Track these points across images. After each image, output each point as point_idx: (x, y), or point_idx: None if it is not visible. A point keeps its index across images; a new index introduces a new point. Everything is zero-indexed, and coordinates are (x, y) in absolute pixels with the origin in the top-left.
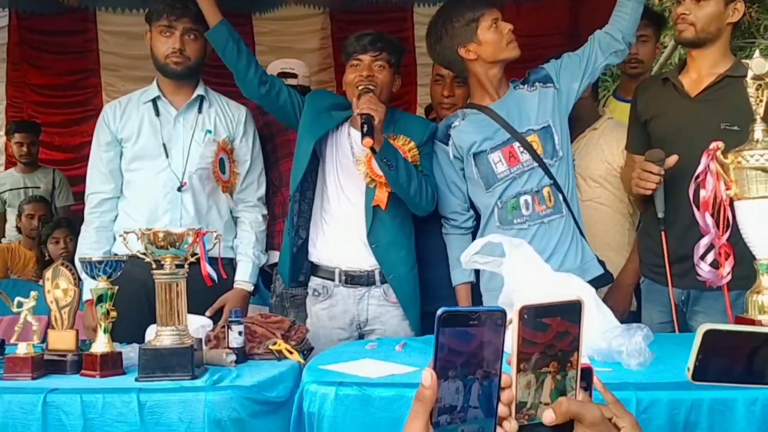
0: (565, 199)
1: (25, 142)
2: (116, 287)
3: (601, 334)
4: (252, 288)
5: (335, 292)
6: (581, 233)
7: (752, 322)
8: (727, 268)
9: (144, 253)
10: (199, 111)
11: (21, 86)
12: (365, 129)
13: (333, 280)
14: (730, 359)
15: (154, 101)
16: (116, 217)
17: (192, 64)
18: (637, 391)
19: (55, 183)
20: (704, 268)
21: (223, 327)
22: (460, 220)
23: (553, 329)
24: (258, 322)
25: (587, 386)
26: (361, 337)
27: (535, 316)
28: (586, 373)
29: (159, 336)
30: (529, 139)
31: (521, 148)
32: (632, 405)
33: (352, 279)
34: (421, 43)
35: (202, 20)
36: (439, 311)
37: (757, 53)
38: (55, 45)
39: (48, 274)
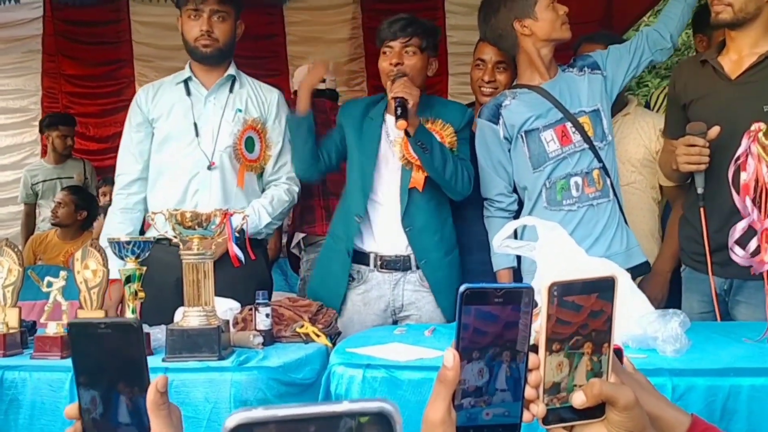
0: (612, 184)
1: (69, 135)
2: (144, 268)
3: (636, 320)
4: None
5: (370, 278)
6: (624, 219)
7: None
8: None
9: (174, 235)
10: (230, 91)
11: (56, 77)
12: (399, 112)
13: (368, 264)
14: None
15: (185, 82)
16: (143, 198)
17: (221, 46)
18: (673, 377)
19: (86, 173)
20: (738, 253)
21: (251, 309)
22: (505, 202)
23: (586, 308)
24: (286, 305)
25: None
26: (395, 323)
27: (565, 293)
28: (616, 355)
29: (186, 317)
30: (580, 120)
31: (573, 129)
32: (668, 391)
33: (388, 264)
34: (453, 32)
35: (228, 1)
36: (462, 288)
37: None
38: (89, 35)
39: (78, 254)
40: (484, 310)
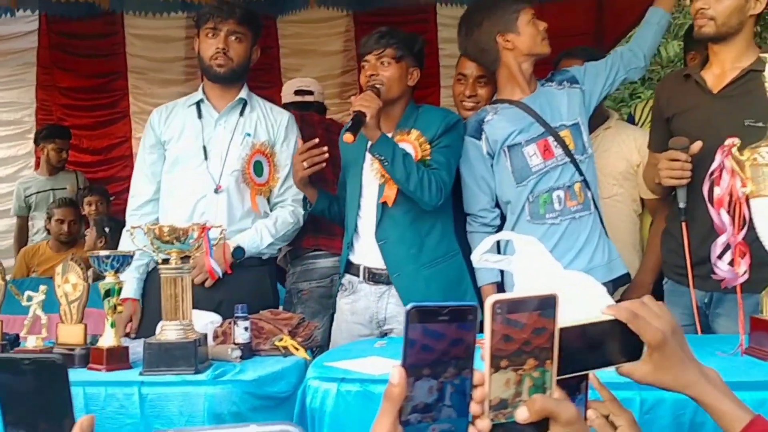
0: (593, 197)
1: (64, 148)
2: (123, 282)
3: None
4: (230, 248)
5: (359, 288)
6: (605, 232)
7: (766, 324)
8: (743, 266)
9: (153, 250)
10: (241, 114)
11: (50, 89)
12: (349, 124)
13: (358, 276)
14: (579, 349)
15: (197, 104)
16: (156, 219)
17: (235, 66)
18: (641, 390)
19: (79, 185)
20: (722, 267)
21: (231, 323)
22: (488, 217)
23: (529, 325)
24: (266, 318)
25: (582, 383)
26: (383, 335)
27: (509, 311)
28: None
29: (164, 331)
30: (561, 134)
31: (555, 143)
32: (636, 405)
33: (374, 276)
34: (445, 45)
35: (248, 23)
36: (408, 306)
37: None
38: (84, 48)
39: (58, 269)
40: (431, 328)
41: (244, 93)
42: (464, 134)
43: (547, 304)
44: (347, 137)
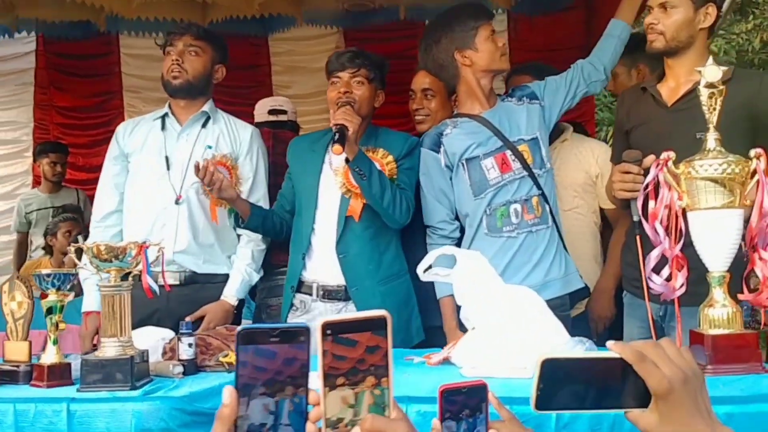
0: (551, 211)
1: (59, 162)
2: (66, 300)
3: (546, 347)
4: (236, 302)
5: (313, 308)
6: (564, 245)
7: (702, 338)
8: (680, 279)
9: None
10: (204, 126)
11: (47, 109)
12: (336, 137)
13: (311, 294)
14: (580, 385)
15: (162, 118)
16: (120, 231)
17: (190, 78)
18: None
19: (79, 202)
20: (656, 281)
21: (179, 338)
22: (447, 230)
23: (362, 344)
24: (216, 334)
25: (482, 402)
26: None
27: (340, 331)
28: (481, 390)
29: (102, 347)
30: (519, 148)
31: (513, 157)
32: (551, 420)
33: (329, 293)
34: None
35: (205, 39)
36: (239, 329)
37: (710, 60)
38: (81, 68)
39: (5, 287)
40: (262, 349)
41: (207, 107)
42: (419, 155)
43: (378, 325)
44: (336, 149)
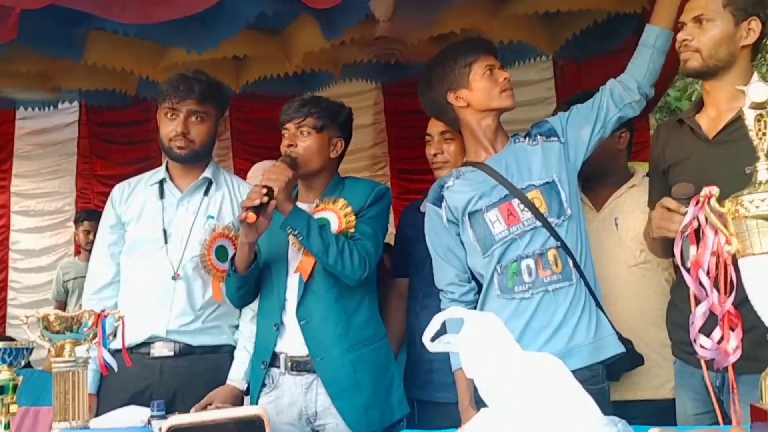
0: (576, 264)
1: (92, 230)
2: (20, 378)
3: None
4: (245, 386)
5: (281, 382)
6: (597, 303)
7: (766, 414)
8: (733, 341)
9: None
10: (205, 194)
11: (89, 177)
12: (256, 204)
13: (279, 367)
14: None
15: (160, 183)
16: (116, 304)
17: (197, 148)
18: None
19: None
20: (705, 344)
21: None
22: (457, 292)
23: None
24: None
25: None
26: None
27: None
28: None
29: None
30: (529, 195)
31: (521, 206)
32: None
33: (298, 365)
34: None
35: (208, 101)
36: (166, 425)
37: (755, 77)
38: (121, 136)
39: None
40: None
41: (209, 171)
42: (390, 204)
43: (227, 429)
44: (250, 217)
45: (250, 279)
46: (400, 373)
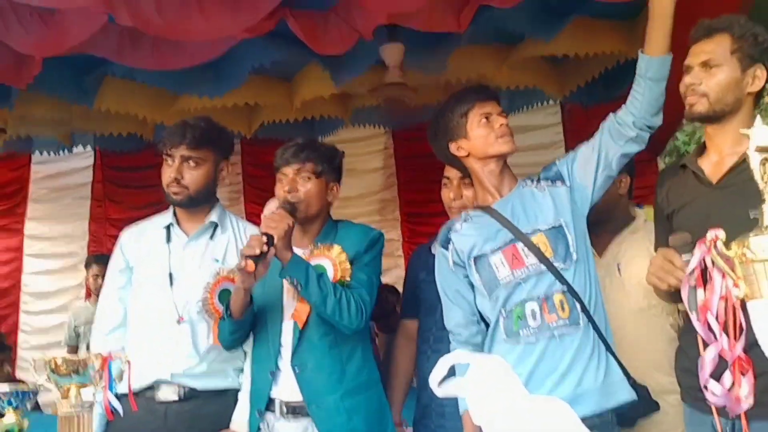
0: (584, 309)
1: (100, 274)
2: (26, 421)
3: None
4: (247, 430)
5: (276, 427)
6: (608, 348)
7: None
8: (745, 387)
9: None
10: (211, 238)
11: (101, 221)
12: (257, 252)
13: (274, 412)
14: None
15: (167, 227)
16: (123, 347)
17: (191, 193)
18: None
19: None
20: (716, 391)
21: None
22: (464, 334)
23: None
24: None
25: None
26: None
27: None
28: None
29: None
30: (534, 239)
31: (526, 250)
32: None
33: (294, 410)
34: None
35: (203, 146)
36: None
37: (758, 120)
38: (134, 180)
39: None
40: None
41: (214, 215)
42: (383, 249)
43: None
44: (250, 266)
45: (244, 324)
46: (391, 421)
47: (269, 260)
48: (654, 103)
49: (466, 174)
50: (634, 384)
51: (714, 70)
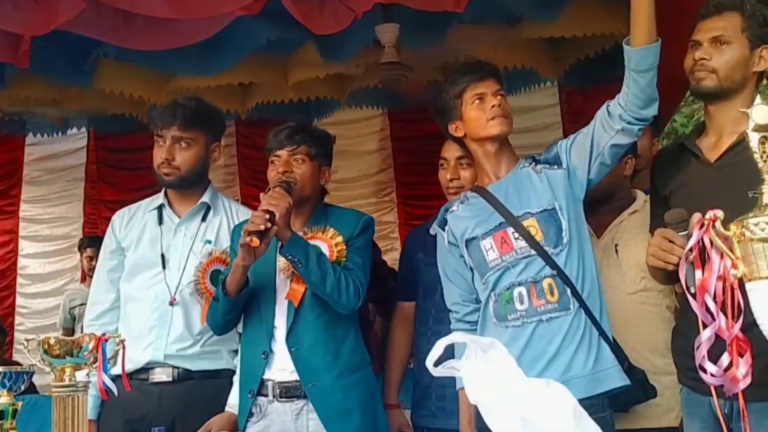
0: (575, 293)
1: (95, 256)
2: (20, 403)
3: None
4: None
5: (269, 410)
6: (602, 333)
7: None
8: (743, 367)
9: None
10: (203, 219)
11: (96, 203)
12: (261, 228)
13: (267, 395)
14: None
15: (159, 209)
16: (116, 330)
17: (183, 174)
18: None
19: None
20: (711, 370)
21: None
22: (461, 312)
23: None
24: None
25: None
26: None
27: None
28: None
29: None
30: (525, 223)
31: (516, 234)
32: None
33: (287, 391)
34: None
35: (194, 127)
36: None
37: (758, 99)
38: (129, 162)
39: None
40: None
41: (207, 196)
42: (374, 234)
43: None
44: (254, 242)
45: (239, 303)
46: (381, 401)
47: (270, 238)
48: (640, 95)
49: (470, 154)
50: (629, 369)
51: (724, 47)
